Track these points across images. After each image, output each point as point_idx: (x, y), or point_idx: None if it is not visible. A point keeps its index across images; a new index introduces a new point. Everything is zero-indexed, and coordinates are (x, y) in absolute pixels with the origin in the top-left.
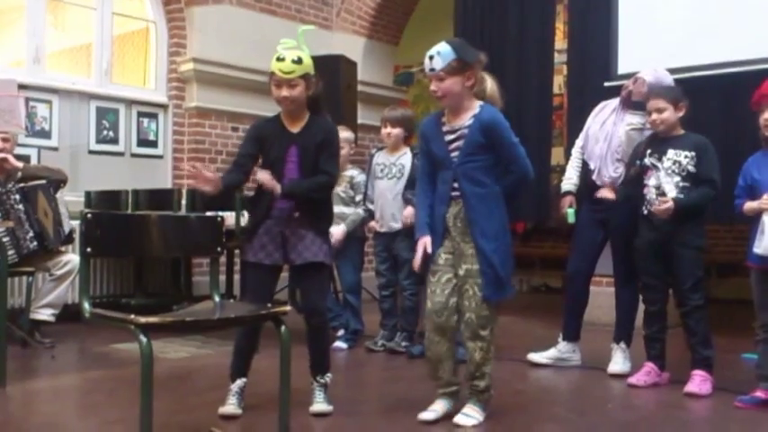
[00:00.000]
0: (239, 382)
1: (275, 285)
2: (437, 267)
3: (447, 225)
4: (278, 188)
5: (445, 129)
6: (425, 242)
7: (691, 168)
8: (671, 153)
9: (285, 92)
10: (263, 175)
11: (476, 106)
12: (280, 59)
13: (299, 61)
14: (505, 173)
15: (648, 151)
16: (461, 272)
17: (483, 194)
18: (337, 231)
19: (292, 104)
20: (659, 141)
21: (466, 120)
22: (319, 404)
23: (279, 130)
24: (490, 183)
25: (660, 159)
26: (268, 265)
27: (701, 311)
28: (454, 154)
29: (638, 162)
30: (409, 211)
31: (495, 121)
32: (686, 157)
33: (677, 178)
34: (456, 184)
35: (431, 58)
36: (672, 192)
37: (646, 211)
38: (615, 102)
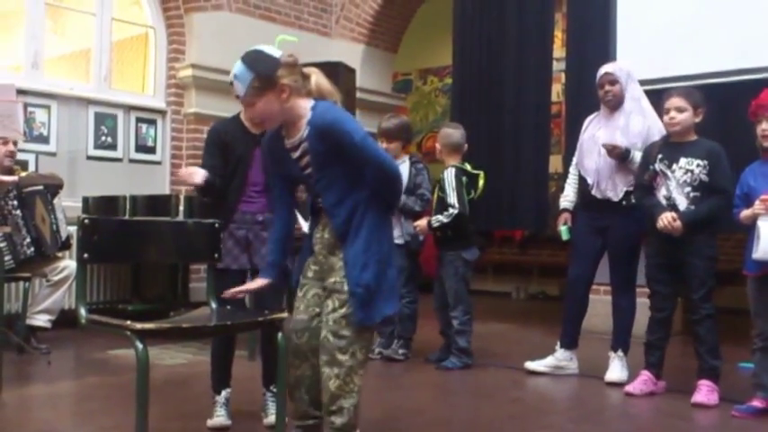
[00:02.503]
0: (224, 393)
1: None
2: (305, 281)
3: (315, 235)
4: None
5: (287, 145)
6: (259, 283)
7: (703, 177)
8: (683, 161)
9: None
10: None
11: (307, 110)
12: None
13: None
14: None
15: (660, 156)
16: (327, 284)
17: (347, 206)
18: None
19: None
20: (671, 146)
21: (302, 130)
22: (274, 416)
23: (241, 132)
24: (355, 190)
25: (670, 167)
26: (236, 270)
27: (711, 321)
28: (308, 171)
29: (651, 167)
30: (423, 222)
31: (328, 122)
32: (698, 165)
33: (688, 189)
34: (319, 199)
35: (231, 83)
36: (682, 203)
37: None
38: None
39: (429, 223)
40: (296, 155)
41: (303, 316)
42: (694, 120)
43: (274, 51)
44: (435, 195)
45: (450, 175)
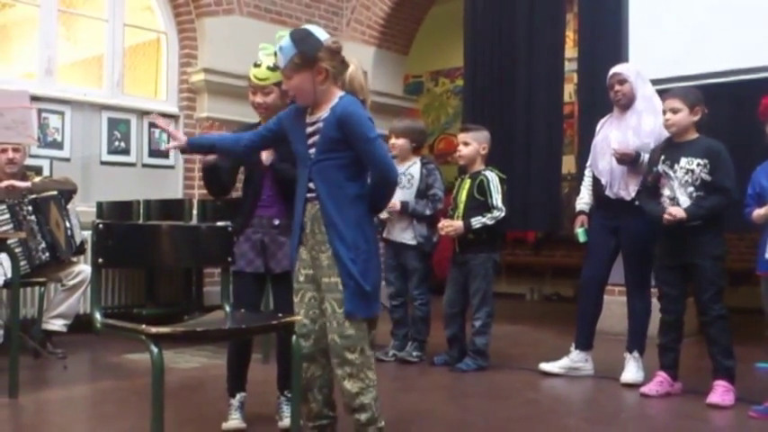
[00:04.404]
0: (239, 396)
1: (261, 294)
2: (299, 286)
3: (304, 230)
4: (269, 156)
5: (307, 120)
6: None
7: (704, 176)
8: (683, 161)
9: (259, 98)
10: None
11: (336, 97)
12: (256, 65)
13: (274, 68)
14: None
15: (662, 157)
16: (322, 285)
17: (339, 196)
18: None
19: (266, 111)
20: (673, 146)
21: (324, 112)
22: (289, 419)
23: None
24: (349, 184)
25: (672, 167)
26: (250, 273)
27: (722, 321)
28: (312, 150)
29: (654, 169)
30: (459, 224)
31: (349, 113)
32: (699, 164)
33: (691, 188)
34: (312, 184)
35: (275, 54)
36: (685, 203)
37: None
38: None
39: (467, 224)
40: (309, 130)
41: (305, 320)
42: (692, 119)
43: (321, 34)
44: (464, 197)
45: (495, 178)
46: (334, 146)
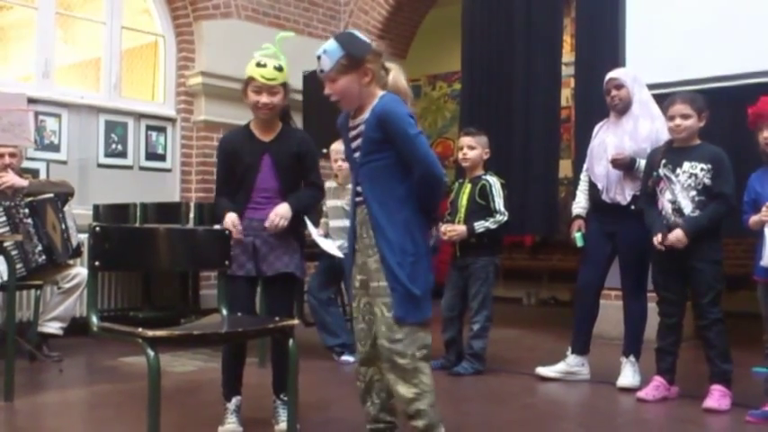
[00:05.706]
0: (235, 400)
1: (254, 297)
2: (355, 291)
3: (356, 235)
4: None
5: (350, 124)
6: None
7: (707, 181)
8: (686, 165)
9: (265, 98)
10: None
11: (377, 98)
12: (261, 65)
13: (280, 69)
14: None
15: (663, 161)
16: (371, 290)
17: (385, 199)
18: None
19: (270, 112)
20: (675, 151)
21: (366, 114)
22: (285, 423)
23: (249, 139)
24: (395, 185)
25: (674, 171)
26: (242, 276)
27: (720, 325)
28: (357, 154)
29: (655, 173)
30: (461, 228)
31: (388, 111)
32: (702, 169)
33: (693, 192)
34: (359, 188)
35: (318, 58)
36: (688, 207)
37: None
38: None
39: (470, 229)
40: (353, 134)
41: (362, 325)
42: (699, 125)
43: (366, 37)
44: (465, 201)
45: (497, 183)
46: (376, 147)
